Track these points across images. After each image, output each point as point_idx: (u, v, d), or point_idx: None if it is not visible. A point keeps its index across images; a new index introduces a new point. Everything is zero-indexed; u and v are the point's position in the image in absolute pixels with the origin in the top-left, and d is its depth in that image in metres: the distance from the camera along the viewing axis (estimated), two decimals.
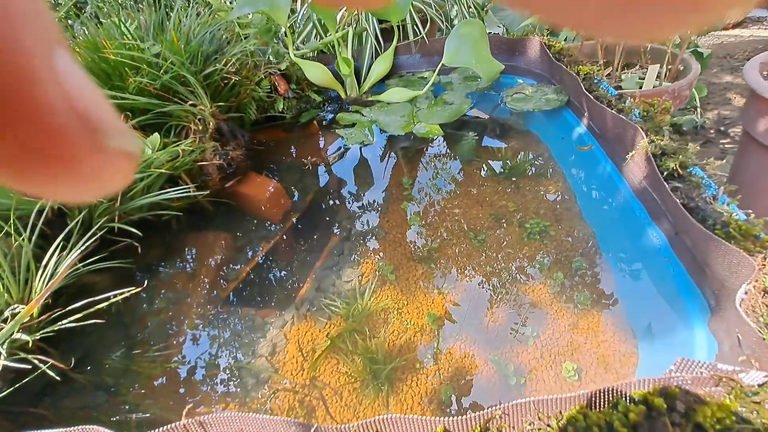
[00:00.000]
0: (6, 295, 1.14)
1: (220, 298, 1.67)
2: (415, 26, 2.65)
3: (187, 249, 1.83)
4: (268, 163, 2.29)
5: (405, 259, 1.77)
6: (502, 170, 2.12)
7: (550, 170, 2.10)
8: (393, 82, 2.68)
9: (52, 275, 1.18)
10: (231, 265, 1.79)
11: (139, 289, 1.36)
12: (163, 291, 1.68)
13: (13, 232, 1.21)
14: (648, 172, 1.43)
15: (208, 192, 1.82)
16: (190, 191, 1.67)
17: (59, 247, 1.24)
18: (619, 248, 1.67)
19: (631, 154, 1.48)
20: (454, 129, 2.39)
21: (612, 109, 1.70)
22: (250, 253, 1.83)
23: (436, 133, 2.21)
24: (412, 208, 1.98)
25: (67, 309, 1.18)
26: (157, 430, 0.94)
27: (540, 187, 2.03)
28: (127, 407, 1.31)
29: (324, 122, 2.61)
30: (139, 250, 1.68)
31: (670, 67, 2.89)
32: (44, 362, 1.11)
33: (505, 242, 1.78)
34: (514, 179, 2.07)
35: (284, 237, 1.91)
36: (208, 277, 1.73)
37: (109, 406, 1.30)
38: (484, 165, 2.18)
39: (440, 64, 2.27)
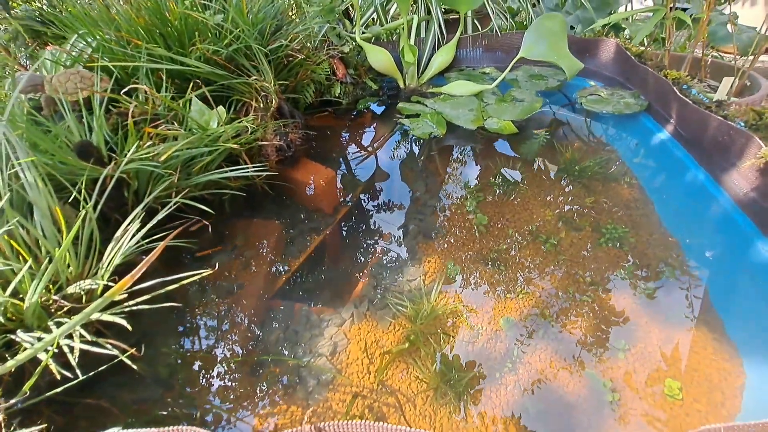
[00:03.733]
0: (67, 269, 1.03)
1: (272, 291, 1.55)
2: (475, 20, 2.54)
3: (239, 235, 1.72)
4: (320, 150, 2.18)
5: (471, 260, 1.64)
6: (572, 172, 1.99)
7: (624, 175, 1.96)
8: (453, 75, 2.57)
9: (124, 249, 1.07)
10: (283, 256, 1.67)
11: (210, 271, 1.23)
12: (216, 279, 1.57)
13: (82, 199, 1.09)
14: (761, 182, 1.29)
15: (265, 174, 1.71)
16: (249, 171, 1.56)
17: (127, 221, 1.13)
18: (716, 261, 1.53)
19: (747, 162, 1.34)
20: (524, 127, 2.27)
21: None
22: (300, 245, 1.71)
23: (509, 130, 2.09)
24: (476, 207, 1.86)
25: (134, 289, 1.07)
26: None
27: (613, 191, 1.89)
28: (182, 403, 1.20)
29: (378, 112, 2.50)
30: (194, 232, 1.58)
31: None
32: (118, 349, 0.99)
33: (579, 247, 1.65)
34: (584, 182, 1.94)
35: (335, 230, 1.79)
36: (261, 268, 1.61)
37: (165, 402, 1.19)
38: (553, 165, 2.05)
39: (517, 57, 2.15)
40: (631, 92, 2.18)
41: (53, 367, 0.89)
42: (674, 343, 1.29)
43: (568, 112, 2.37)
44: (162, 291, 1.11)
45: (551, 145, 2.18)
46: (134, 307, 1.04)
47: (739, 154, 1.39)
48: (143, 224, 1.26)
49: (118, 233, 1.14)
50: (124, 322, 0.98)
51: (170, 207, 1.29)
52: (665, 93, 1.82)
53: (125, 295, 1.04)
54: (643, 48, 2.25)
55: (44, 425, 0.97)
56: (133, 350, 1.00)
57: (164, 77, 1.54)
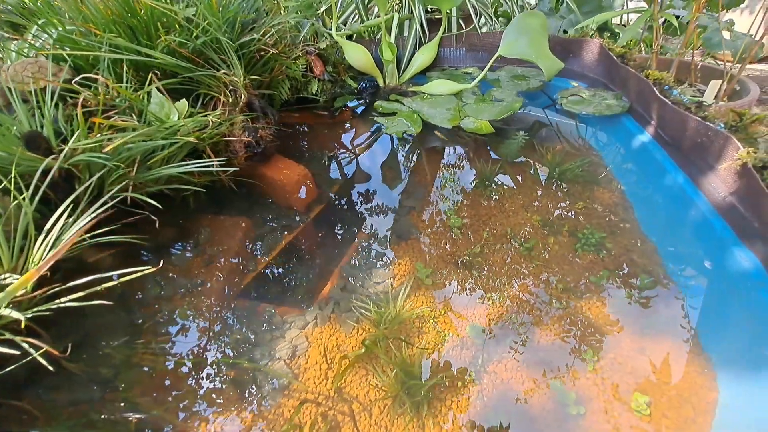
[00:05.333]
0: None
1: (236, 290, 1.49)
2: (460, 20, 2.50)
3: (203, 232, 1.66)
4: (295, 147, 2.12)
5: (443, 263, 1.59)
6: (551, 174, 1.94)
7: (603, 178, 1.91)
8: (435, 74, 2.52)
9: (55, 243, 1.01)
10: (250, 254, 1.61)
11: (151, 269, 1.18)
12: (174, 276, 1.51)
13: (12, 189, 1.04)
14: (740, 186, 1.24)
15: (231, 171, 1.65)
16: (213, 166, 1.50)
17: (64, 214, 1.07)
18: (694, 268, 1.47)
19: (724, 165, 1.30)
20: (502, 127, 2.22)
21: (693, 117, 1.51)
22: (270, 243, 1.65)
23: (485, 129, 2.04)
24: (451, 208, 1.80)
25: (66, 286, 1.01)
26: None
27: (593, 195, 1.84)
28: (124, 405, 1.13)
29: (357, 110, 2.45)
30: (153, 228, 1.51)
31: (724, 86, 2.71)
32: (35, 347, 0.93)
33: (555, 252, 1.59)
34: (563, 185, 1.89)
35: (307, 228, 1.74)
36: (225, 266, 1.55)
37: (104, 404, 1.12)
38: (532, 167, 2.00)
39: (495, 56, 2.10)
40: (613, 93, 2.14)
41: None
42: (646, 355, 1.23)
43: (550, 113, 2.33)
44: (99, 288, 1.05)
45: (531, 146, 2.13)
46: (64, 304, 0.98)
47: (717, 156, 1.34)
48: (96, 219, 1.20)
49: (48, 225, 1.08)
50: (20, 316, 0.91)
51: (108, 204, 1.22)
52: (646, 93, 1.78)
53: (51, 286, 0.98)
54: (626, 49, 2.20)
55: None
56: (47, 347, 0.93)
57: (126, 69, 1.49)
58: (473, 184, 1.91)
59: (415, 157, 2.13)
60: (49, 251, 1.02)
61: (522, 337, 1.33)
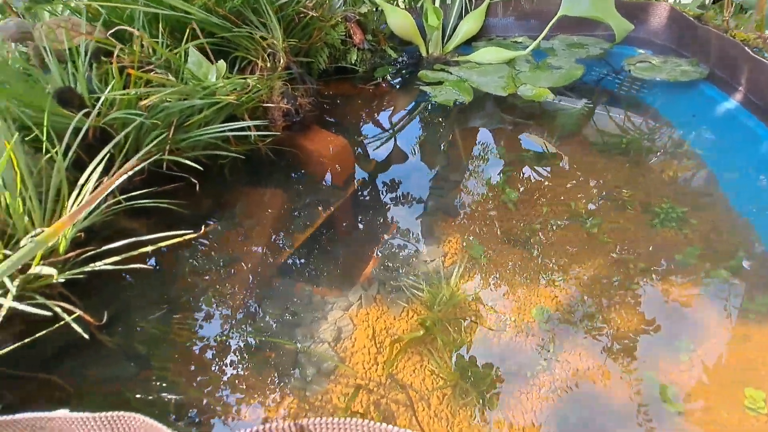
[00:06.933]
0: (26, 218, 0.89)
1: (273, 266, 1.38)
2: None
3: (239, 204, 1.55)
4: (333, 118, 1.99)
5: (498, 240, 1.43)
6: (618, 145, 1.74)
7: (680, 149, 1.70)
8: (481, 44, 2.34)
9: (83, 199, 0.93)
10: (286, 230, 1.50)
11: (193, 234, 1.07)
12: (210, 249, 1.41)
13: (45, 141, 0.95)
14: None
15: (269, 139, 1.53)
16: (250, 130, 1.38)
17: (98, 168, 0.98)
18: None
19: None
20: (561, 95, 2.03)
21: None
22: (307, 218, 1.54)
23: (544, 96, 1.86)
24: (504, 182, 1.64)
25: (102, 249, 0.91)
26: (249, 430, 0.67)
27: (667, 167, 1.64)
28: (159, 384, 1.04)
29: (398, 81, 2.29)
30: (189, 197, 1.42)
31: None
32: (69, 313, 0.84)
33: (627, 229, 1.41)
34: (632, 157, 1.69)
35: (346, 203, 1.61)
36: (261, 241, 1.44)
37: (139, 382, 1.04)
38: (596, 138, 1.80)
39: (557, 15, 1.90)
40: (687, 60, 1.91)
41: None
42: (753, 342, 1.05)
43: (614, 81, 2.11)
44: (134, 253, 0.96)
45: (594, 115, 1.93)
46: (98, 268, 0.89)
47: None
48: (131, 181, 1.11)
49: (81, 180, 0.99)
50: (53, 272, 0.82)
51: (147, 158, 1.12)
52: (734, 56, 1.56)
53: (85, 249, 0.88)
54: (702, 11, 1.96)
55: None
56: (82, 314, 0.84)
57: (162, 27, 1.40)
58: (528, 156, 1.74)
59: (462, 128, 1.97)
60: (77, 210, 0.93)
61: (597, 322, 1.17)
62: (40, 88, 1.09)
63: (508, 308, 1.23)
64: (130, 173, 1.02)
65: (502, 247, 1.41)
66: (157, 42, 1.34)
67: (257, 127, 1.47)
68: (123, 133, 1.12)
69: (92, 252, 0.94)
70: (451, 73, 2.10)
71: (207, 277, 1.32)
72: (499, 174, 1.67)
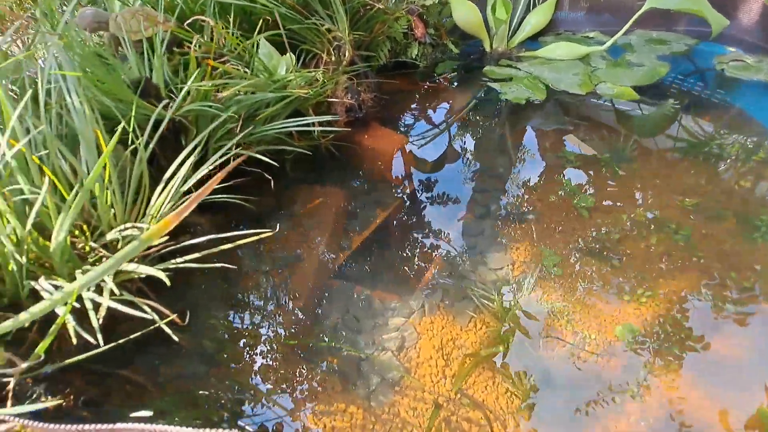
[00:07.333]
0: (111, 211, 0.88)
1: (332, 268, 1.34)
2: None
3: (300, 203, 1.53)
4: (392, 115, 1.93)
5: (571, 249, 1.32)
6: (708, 150, 1.58)
7: None
8: (549, 39, 2.21)
9: (173, 195, 0.91)
10: (344, 230, 1.45)
11: (270, 233, 1.04)
12: (272, 248, 1.39)
13: (131, 131, 0.94)
14: None
15: (332, 135, 1.49)
16: (314, 126, 1.35)
17: (187, 162, 0.97)
18: None
19: None
20: (643, 95, 1.88)
21: None
22: (365, 218, 1.48)
23: (627, 96, 1.72)
24: (578, 187, 1.52)
25: (184, 244, 0.90)
26: None
27: (764, 175, 1.47)
28: (227, 384, 1.02)
29: (460, 77, 2.19)
30: (252, 194, 1.40)
31: None
32: (154, 311, 0.82)
33: (722, 242, 1.27)
34: (726, 163, 1.53)
35: (404, 204, 1.55)
36: (321, 241, 1.40)
37: (208, 380, 1.02)
38: (682, 142, 1.65)
39: (643, 8, 1.73)
40: None
41: (71, 326, 0.73)
42: None
43: (701, 80, 1.93)
44: (215, 250, 0.93)
45: (679, 117, 1.76)
46: (181, 265, 0.87)
47: None
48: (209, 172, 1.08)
49: (167, 174, 0.97)
50: (162, 275, 0.80)
51: (223, 151, 1.10)
52: None
53: (165, 244, 0.86)
54: None
55: (70, 396, 0.83)
56: (175, 317, 0.82)
57: (232, 18, 1.38)
58: (604, 159, 1.61)
59: (526, 127, 1.85)
60: (168, 202, 0.92)
61: (692, 345, 1.05)
62: (118, 77, 1.10)
63: (587, 325, 1.13)
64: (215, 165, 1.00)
65: (577, 258, 1.30)
66: (230, 33, 1.33)
67: (320, 123, 1.43)
68: (198, 129, 1.10)
69: (173, 248, 0.92)
70: (519, 69, 1.98)
71: (268, 277, 1.30)
72: (569, 177, 1.55)
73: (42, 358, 0.68)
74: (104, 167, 0.84)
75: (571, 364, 1.05)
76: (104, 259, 0.87)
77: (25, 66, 1.13)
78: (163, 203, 0.95)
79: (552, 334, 1.11)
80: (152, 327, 0.80)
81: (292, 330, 1.16)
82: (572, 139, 1.74)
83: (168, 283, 0.81)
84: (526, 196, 1.54)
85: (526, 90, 1.84)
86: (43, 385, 0.81)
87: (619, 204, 1.45)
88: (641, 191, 1.48)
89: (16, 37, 1.50)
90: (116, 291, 0.80)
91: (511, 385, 1.02)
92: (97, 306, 0.76)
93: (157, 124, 1.09)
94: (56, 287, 0.75)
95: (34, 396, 0.77)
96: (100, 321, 0.75)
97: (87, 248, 0.86)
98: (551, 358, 1.06)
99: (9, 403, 0.69)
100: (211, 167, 1.04)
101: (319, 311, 1.22)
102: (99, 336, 0.74)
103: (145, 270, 0.82)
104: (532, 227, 1.42)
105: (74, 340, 0.72)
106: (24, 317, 0.64)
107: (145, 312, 0.81)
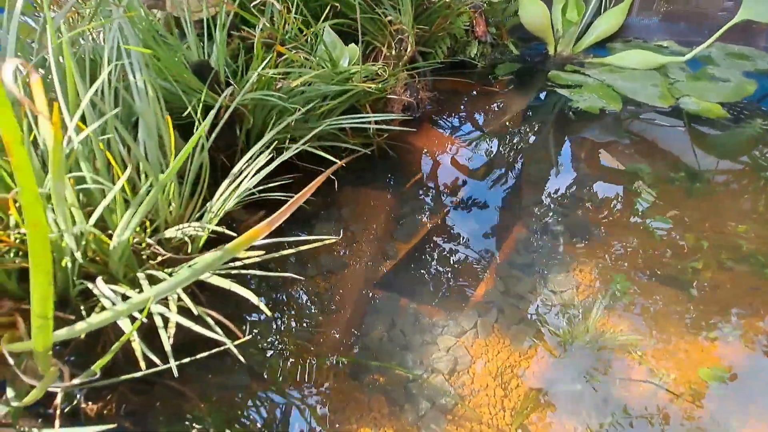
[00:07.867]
0: (168, 208, 0.81)
1: (377, 277, 1.24)
2: None
3: (347, 205, 1.44)
4: (446, 117, 1.83)
5: (642, 274, 1.20)
6: None
7: None
8: (618, 46, 2.06)
9: (234, 191, 0.84)
10: (391, 237, 1.36)
11: (333, 239, 0.96)
12: (317, 253, 1.30)
13: (197, 118, 0.88)
14: None
15: (387, 134, 1.40)
16: (371, 125, 1.26)
17: (263, 158, 0.90)
18: None
19: None
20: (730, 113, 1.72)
21: None
22: (413, 226, 1.39)
23: (715, 113, 1.58)
24: (651, 207, 1.39)
25: (266, 257, 0.82)
26: None
27: None
28: (269, 398, 0.94)
29: (520, 80, 2.07)
30: (298, 191, 1.31)
31: None
32: (222, 327, 0.74)
33: None
34: None
35: (454, 213, 1.44)
36: (367, 248, 1.31)
37: (252, 393, 0.94)
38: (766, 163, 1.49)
39: (734, 20, 1.58)
40: None
41: (138, 348, 0.66)
42: None
43: None
44: (275, 255, 0.85)
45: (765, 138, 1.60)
46: (243, 270, 0.78)
47: None
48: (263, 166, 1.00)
49: (236, 169, 0.90)
50: (262, 305, 0.72)
51: (296, 149, 1.03)
52: None
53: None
54: None
55: (113, 405, 0.76)
56: (245, 338, 0.74)
57: (294, 3, 1.30)
58: (677, 178, 1.47)
59: (590, 137, 1.72)
60: (227, 199, 0.85)
61: None
62: (178, 57, 1.04)
63: (665, 363, 1.00)
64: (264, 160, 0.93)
65: (650, 285, 1.18)
66: (294, 17, 1.25)
67: (376, 121, 1.35)
68: (255, 120, 1.02)
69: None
70: (589, 76, 1.85)
71: (312, 285, 1.22)
72: (638, 195, 1.42)
73: (97, 375, 0.61)
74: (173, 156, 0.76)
75: (650, 406, 0.93)
76: (156, 259, 0.80)
77: (83, 40, 1.09)
78: (227, 200, 0.88)
79: (626, 370, 1.00)
80: (222, 348, 0.72)
81: (337, 343, 1.07)
82: (642, 153, 1.60)
83: (268, 313, 0.74)
84: (589, 213, 1.41)
85: (600, 99, 1.70)
86: (84, 391, 0.75)
87: (695, 228, 1.31)
88: (722, 216, 1.34)
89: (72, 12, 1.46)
90: (191, 306, 0.72)
91: (579, 425, 0.91)
92: (165, 321, 0.69)
93: (209, 109, 1.02)
94: (115, 292, 0.67)
95: (75, 402, 0.71)
96: (171, 340, 0.67)
97: (143, 244, 0.79)
98: (626, 398, 0.95)
99: (57, 423, 0.63)
100: (274, 164, 0.96)
101: (364, 323, 1.13)
102: (171, 361, 0.66)
103: (237, 289, 0.74)
104: (597, 247, 1.30)
105: (142, 364, 0.65)
106: (81, 327, 0.58)
107: (213, 331, 0.72)
